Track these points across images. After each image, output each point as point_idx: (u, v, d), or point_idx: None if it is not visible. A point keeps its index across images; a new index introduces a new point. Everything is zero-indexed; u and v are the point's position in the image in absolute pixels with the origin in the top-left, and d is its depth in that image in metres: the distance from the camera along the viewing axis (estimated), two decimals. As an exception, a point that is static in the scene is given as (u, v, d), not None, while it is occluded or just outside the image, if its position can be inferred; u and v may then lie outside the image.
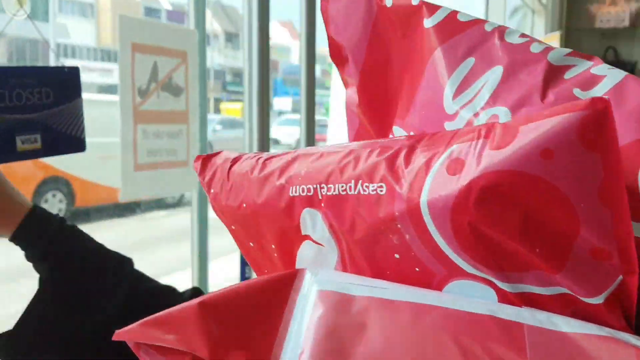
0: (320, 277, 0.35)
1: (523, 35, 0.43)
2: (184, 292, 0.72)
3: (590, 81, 0.40)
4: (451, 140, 0.34)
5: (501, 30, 0.43)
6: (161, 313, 0.34)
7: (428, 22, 0.44)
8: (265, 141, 1.30)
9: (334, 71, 3.20)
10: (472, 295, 0.34)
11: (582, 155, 0.30)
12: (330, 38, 0.50)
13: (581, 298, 0.32)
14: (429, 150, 0.34)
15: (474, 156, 0.32)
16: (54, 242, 0.68)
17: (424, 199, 0.33)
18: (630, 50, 4.72)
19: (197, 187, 1.35)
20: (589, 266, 0.32)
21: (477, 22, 0.44)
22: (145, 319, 0.34)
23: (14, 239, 0.68)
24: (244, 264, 1.48)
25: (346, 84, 0.50)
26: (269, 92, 1.28)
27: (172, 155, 1.18)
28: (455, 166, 0.32)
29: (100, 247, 0.72)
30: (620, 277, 0.32)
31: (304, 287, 0.35)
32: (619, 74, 0.39)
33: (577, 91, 0.39)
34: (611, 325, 0.32)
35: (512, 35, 0.43)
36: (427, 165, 0.33)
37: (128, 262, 0.72)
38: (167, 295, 0.71)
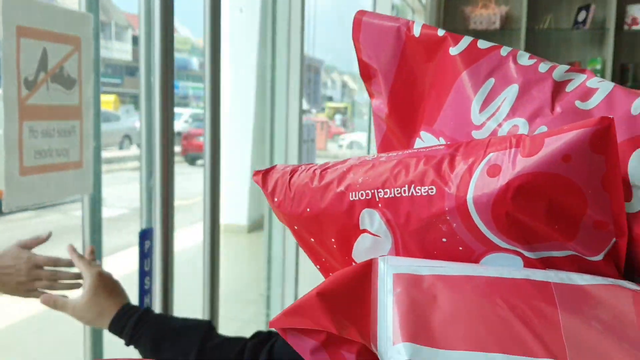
0: (389, 262, 0.45)
1: (531, 57, 0.53)
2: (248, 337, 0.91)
3: (586, 93, 0.50)
4: (487, 149, 0.44)
5: (514, 54, 0.53)
6: (292, 305, 0.44)
7: (454, 50, 0.55)
8: (169, 138, 1.19)
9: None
10: (503, 264, 0.45)
11: (591, 158, 0.41)
12: (360, 60, 0.60)
13: (586, 257, 0.44)
14: (468, 157, 0.44)
15: (509, 162, 0.42)
16: (134, 333, 0.94)
17: (470, 197, 0.43)
18: (499, 51, 5.04)
19: (92, 191, 1.21)
20: (592, 234, 0.43)
21: (494, 49, 0.54)
22: (283, 310, 0.43)
23: (110, 330, 0.97)
24: (143, 275, 1.35)
25: (372, 95, 0.61)
26: (172, 88, 1.17)
27: (63, 156, 1.04)
28: (494, 170, 0.42)
29: (176, 322, 0.97)
30: (614, 239, 0.43)
31: (380, 272, 0.44)
32: (608, 86, 0.50)
33: (578, 103, 0.50)
34: (608, 274, 0.44)
35: (523, 58, 0.53)
36: (470, 170, 0.44)
37: (201, 325, 0.94)
38: (234, 344, 0.90)
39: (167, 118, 1.16)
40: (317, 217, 0.50)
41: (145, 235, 1.34)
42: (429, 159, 0.46)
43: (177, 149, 11.74)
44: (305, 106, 2.69)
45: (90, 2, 1.13)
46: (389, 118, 0.59)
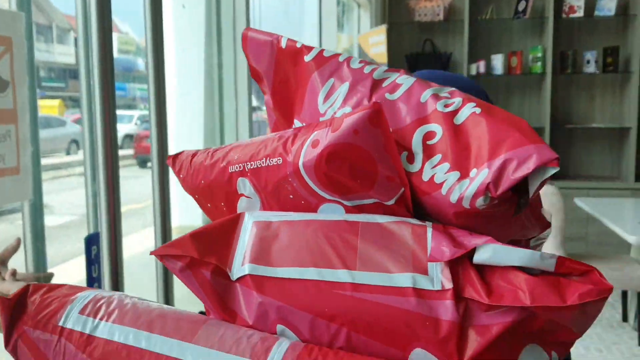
0: (253, 214, 0.64)
1: (361, 61, 0.70)
2: None
3: (394, 88, 0.66)
4: (314, 129, 0.61)
5: (348, 60, 0.70)
6: (170, 242, 0.60)
7: (307, 57, 0.71)
8: (112, 141, 1.15)
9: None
10: (332, 211, 0.62)
11: (371, 131, 0.58)
12: (250, 65, 0.75)
13: (384, 202, 0.61)
14: (303, 135, 0.61)
15: (325, 137, 0.59)
16: None
17: (301, 163, 0.60)
18: (445, 41, 5.12)
19: (31, 197, 1.16)
20: (385, 185, 0.60)
21: (335, 56, 0.70)
22: (163, 245, 0.61)
23: None
24: (91, 282, 1.31)
25: (264, 93, 0.76)
26: (113, 89, 1.13)
27: (-1, 162, 0.99)
28: (316, 143, 0.59)
29: None
30: (402, 189, 0.60)
31: (245, 221, 0.63)
32: (410, 81, 0.66)
33: (387, 95, 0.66)
34: (401, 215, 0.61)
35: (354, 63, 0.69)
36: (302, 144, 0.60)
37: None
38: None
39: (109, 120, 1.12)
40: (209, 186, 0.68)
41: (91, 241, 1.30)
42: (280, 138, 0.63)
43: (129, 151, 11.47)
44: (255, 103, 2.67)
45: (21, 1, 1.09)
46: (274, 110, 0.75)
